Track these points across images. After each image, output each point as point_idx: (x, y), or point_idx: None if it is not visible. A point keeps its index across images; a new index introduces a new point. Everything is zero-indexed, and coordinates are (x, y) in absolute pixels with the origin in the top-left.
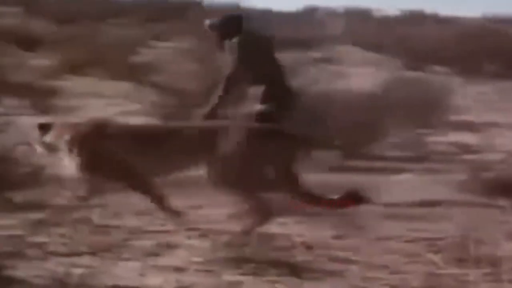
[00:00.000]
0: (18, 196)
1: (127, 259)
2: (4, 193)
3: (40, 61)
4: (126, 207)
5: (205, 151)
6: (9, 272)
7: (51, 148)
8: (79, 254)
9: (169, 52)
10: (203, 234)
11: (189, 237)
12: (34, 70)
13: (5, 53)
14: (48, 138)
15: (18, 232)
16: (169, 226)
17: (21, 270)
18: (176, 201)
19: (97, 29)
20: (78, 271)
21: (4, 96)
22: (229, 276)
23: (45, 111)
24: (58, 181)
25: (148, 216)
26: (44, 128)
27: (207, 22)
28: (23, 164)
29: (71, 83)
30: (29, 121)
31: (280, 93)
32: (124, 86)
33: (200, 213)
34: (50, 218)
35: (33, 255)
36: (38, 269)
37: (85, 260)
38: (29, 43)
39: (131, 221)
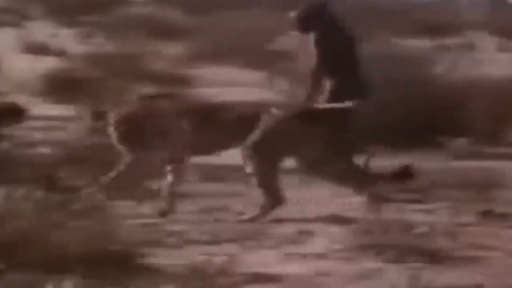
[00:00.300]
0: (157, 185)
1: (268, 247)
2: (142, 182)
3: (175, 50)
4: None
5: (245, 132)
6: (147, 261)
7: (106, 134)
8: (219, 242)
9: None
10: (344, 222)
11: (329, 225)
12: (169, 59)
13: (140, 42)
14: (102, 124)
15: (157, 220)
16: (310, 214)
17: (159, 258)
18: (320, 190)
19: (233, 18)
20: (218, 259)
21: (139, 85)
22: (369, 263)
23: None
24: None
25: (288, 203)
26: (98, 116)
27: (292, 14)
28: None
29: (207, 71)
30: None
31: (353, 87)
32: (259, 74)
33: (341, 201)
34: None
35: (172, 243)
36: (177, 257)
37: (225, 248)
38: (164, 32)
39: None
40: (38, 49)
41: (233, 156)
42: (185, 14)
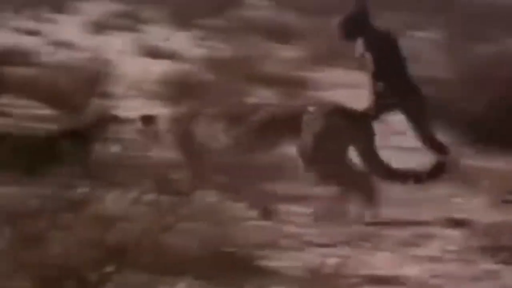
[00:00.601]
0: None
1: (383, 249)
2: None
3: (290, 52)
4: (383, 197)
5: (290, 132)
6: (263, 263)
7: (155, 138)
8: (334, 244)
9: (422, 43)
10: (459, 224)
11: (444, 227)
12: (284, 62)
13: (257, 44)
14: (153, 128)
15: (274, 222)
16: (425, 216)
17: (275, 261)
18: (436, 191)
19: None
20: (333, 261)
21: (254, 88)
22: (485, 265)
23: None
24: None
25: (404, 206)
26: (147, 119)
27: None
28: None
29: (322, 74)
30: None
31: (401, 87)
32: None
33: (457, 202)
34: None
35: (287, 245)
36: (293, 259)
37: (341, 250)
38: (279, 34)
39: (387, 212)
40: (153, 53)
41: None
42: (301, 16)
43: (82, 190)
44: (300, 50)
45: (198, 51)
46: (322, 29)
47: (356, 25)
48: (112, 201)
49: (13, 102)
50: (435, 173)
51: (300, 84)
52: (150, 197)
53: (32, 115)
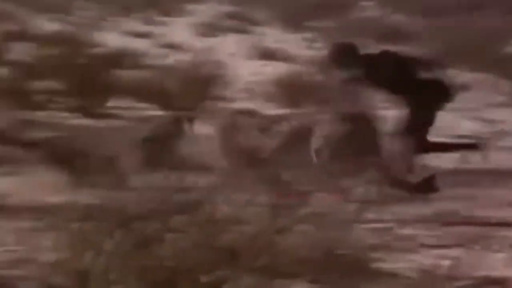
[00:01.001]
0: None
1: (496, 251)
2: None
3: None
4: (493, 199)
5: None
6: (378, 265)
7: (200, 137)
8: (448, 246)
9: None
10: None
11: None
12: None
13: (367, 46)
14: (197, 127)
15: (387, 224)
16: None
17: (389, 263)
18: None
19: (463, 20)
20: (447, 262)
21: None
22: None
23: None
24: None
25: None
26: (191, 119)
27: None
28: None
29: None
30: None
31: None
32: (482, 77)
33: None
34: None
35: (402, 247)
36: (407, 261)
37: (454, 251)
38: (391, 35)
39: (499, 212)
40: (265, 54)
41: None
42: (412, 17)
43: (195, 192)
44: (410, 51)
45: (310, 53)
46: (436, 30)
47: (342, 56)
48: (226, 203)
49: (124, 105)
50: (422, 187)
51: None
52: (263, 199)
53: (143, 117)
